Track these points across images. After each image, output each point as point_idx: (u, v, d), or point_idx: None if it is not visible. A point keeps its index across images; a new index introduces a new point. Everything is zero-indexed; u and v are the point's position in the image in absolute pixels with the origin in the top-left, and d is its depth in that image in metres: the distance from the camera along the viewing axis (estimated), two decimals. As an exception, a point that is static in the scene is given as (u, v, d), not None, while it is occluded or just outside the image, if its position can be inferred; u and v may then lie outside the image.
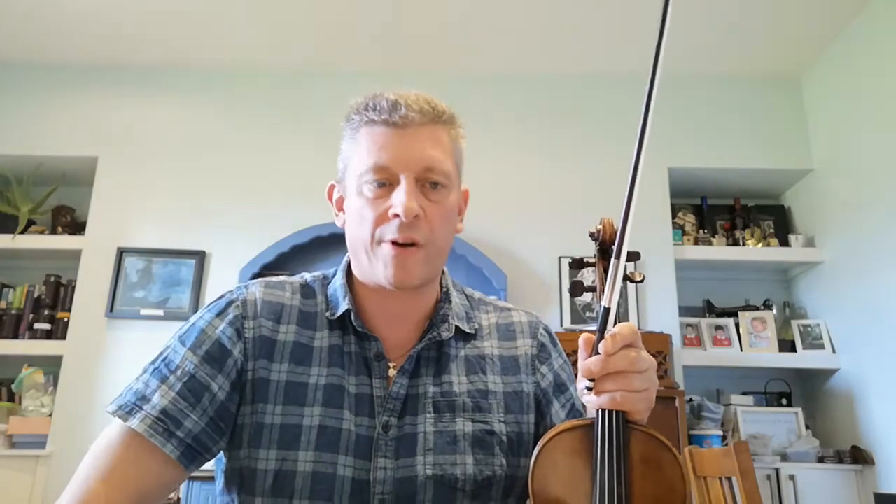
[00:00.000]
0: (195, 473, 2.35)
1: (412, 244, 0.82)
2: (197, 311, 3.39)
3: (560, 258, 3.17)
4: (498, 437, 0.85)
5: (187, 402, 0.79)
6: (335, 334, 0.87)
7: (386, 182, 0.83)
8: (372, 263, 0.84)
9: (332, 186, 0.95)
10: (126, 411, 0.78)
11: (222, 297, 0.89)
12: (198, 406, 0.80)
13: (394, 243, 0.82)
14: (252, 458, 0.80)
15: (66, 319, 3.15)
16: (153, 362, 0.83)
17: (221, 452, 0.85)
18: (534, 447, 0.80)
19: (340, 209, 0.92)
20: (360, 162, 0.84)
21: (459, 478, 0.81)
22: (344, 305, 0.88)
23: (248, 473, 0.80)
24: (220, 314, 0.86)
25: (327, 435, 0.80)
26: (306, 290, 0.92)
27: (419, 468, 0.81)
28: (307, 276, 0.95)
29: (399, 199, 0.81)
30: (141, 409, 0.78)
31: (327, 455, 0.79)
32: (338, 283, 0.91)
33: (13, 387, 3.06)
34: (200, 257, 3.19)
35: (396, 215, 0.81)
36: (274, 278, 0.94)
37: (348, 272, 0.93)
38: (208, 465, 0.84)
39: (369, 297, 0.89)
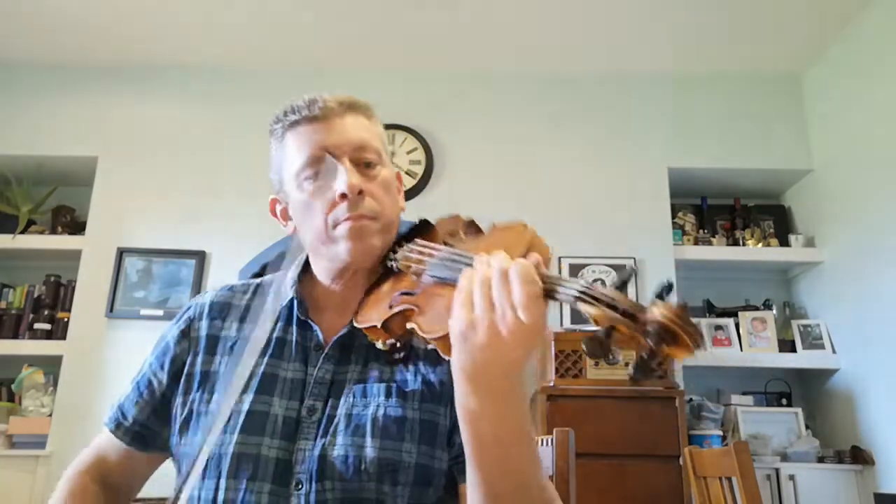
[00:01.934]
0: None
1: (365, 217, 0.86)
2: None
3: (560, 258, 3.17)
4: (409, 425, 0.85)
5: (137, 395, 0.95)
6: (279, 326, 0.93)
7: (321, 171, 0.87)
8: (330, 248, 0.88)
9: (274, 201, 0.98)
10: (111, 408, 0.98)
11: (189, 303, 1.01)
12: (142, 398, 0.95)
13: (348, 220, 0.85)
14: (186, 444, 0.88)
15: (66, 319, 3.15)
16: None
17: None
18: (449, 436, 0.86)
19: (287, 218, 0.96)
20: (294, 162, 0.89)
21: (364, 460, 0.82)
22: (289, 294, 0.93)
23: (184, 458, 0.87)
24: (177, 319, 0.99)
25: (254, 419, 0.85)
26: (259, 289, 0.99)
27: (331, 449, 0.83)
28: (268, 277, 1.01)
29: (341, 179, 0.85)
30: (114, 405, 0.98)
31: (253, 438, 0.84)
32: (289, 276, 0.97)
33: (13, 387, 3.06)
34: (200, 257, 3.19)
35: (343, 195, 0.84)
36: (239, 282, 1.03)
37: (304, 268, 0.97)
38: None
39: (323, 289, 0.94)
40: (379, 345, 0.81)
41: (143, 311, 3.11)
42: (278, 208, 0.97)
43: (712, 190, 3.52)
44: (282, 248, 3.13)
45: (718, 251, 3.30)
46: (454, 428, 0.86)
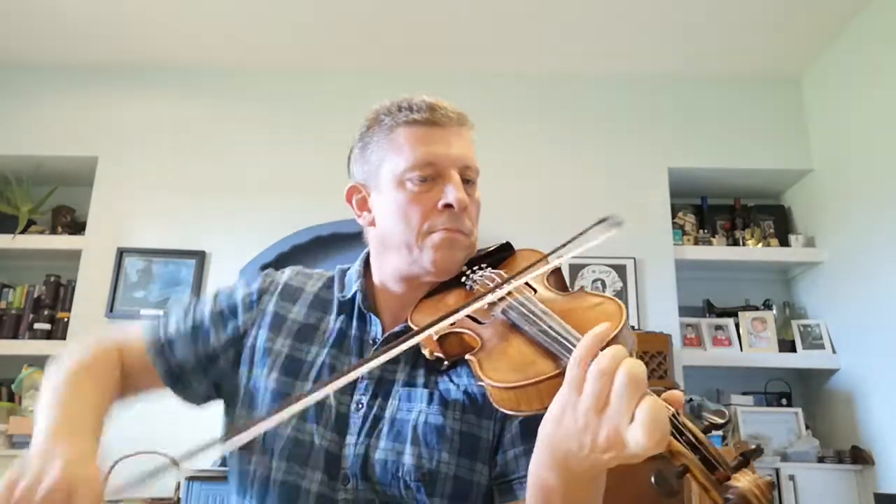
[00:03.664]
0: (195, 474, 2.36)
1: (461, 232, 0.89)
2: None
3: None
4: (449, 435, 0.83)
5: (193, 341, 0.94)
6: (342, 319, 0.94)
7: (429, 177, 0.88)
8: (414, 253, 0.88)
9: (353, 189, 0.97)
10: (152, 321, 0.97)
11: (264, 272, 1.03)
12: (197, 346, 0.94)
13: (446, 230, 0.87)
14: (248, 417, 0.89)
15: (66, 319, 3.15)
16: (195, 300, 1.00)
17: (224, 412, 0.96)
18: (493, 452, 0.83)
19: (364, 209, 0.96)
20: (402, 159, 0.88)
21: (401, 467, 0.82)
22: (354, 288, 0.95)
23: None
24: (248, 284, 1.00)
25: (311, 407, 0.85)
26: (329, 281, 1.00)
27: (373, 452, 0.83)
28: (340, 268, 1.02)
29: (452, 191, 0.87)
30: (158, 326, 0.96)
31: (308, 425, 0.85)
32: (354, 269, 0.99)
33: (13, 387, 3.06)
34: (200, 257, 3.19)
35: (448, 206, 0.87)
36: (315, 270, 1.04)
37: (366, 263, 0.99)
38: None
39: (383, 288, 0.95)
40: (426, 353, 0.81)
41: (144, 312, 3.10)
42: (356, 197, 0.96)
43: (712, 190, 3.52)
44: (282, 248, 3.13)
45: (718, 251, 3.29)
46: (499, 446, 0.85)
